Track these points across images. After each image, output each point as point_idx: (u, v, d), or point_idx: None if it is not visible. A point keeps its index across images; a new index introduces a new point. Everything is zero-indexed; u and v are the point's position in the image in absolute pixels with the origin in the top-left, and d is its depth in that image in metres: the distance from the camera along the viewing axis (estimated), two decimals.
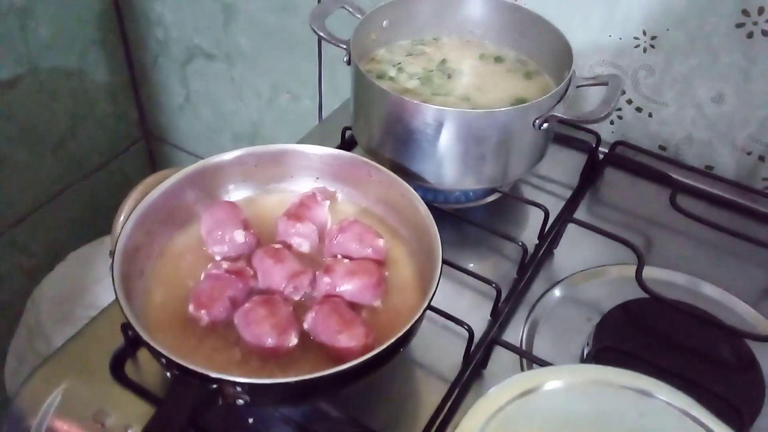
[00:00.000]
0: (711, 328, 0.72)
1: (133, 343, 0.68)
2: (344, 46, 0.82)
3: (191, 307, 0.65)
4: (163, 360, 0.56)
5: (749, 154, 0.91)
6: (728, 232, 0.82)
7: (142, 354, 0.69)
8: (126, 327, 0.67)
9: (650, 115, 0.95)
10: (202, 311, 0.64)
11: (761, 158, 0.91)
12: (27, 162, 1.38)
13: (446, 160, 0.79)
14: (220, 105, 1.45)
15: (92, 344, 0.70)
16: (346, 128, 0.91)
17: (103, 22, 1.41)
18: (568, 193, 0.88)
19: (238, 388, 0.56)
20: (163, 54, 1.44)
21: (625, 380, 0.57)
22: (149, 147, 1.66)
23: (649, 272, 0.75)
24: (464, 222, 0.84)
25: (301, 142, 0.93)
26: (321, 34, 0.83)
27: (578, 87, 0.79)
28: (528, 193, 0.90)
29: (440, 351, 0.72)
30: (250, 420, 0.65)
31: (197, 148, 1.57)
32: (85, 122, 1.47)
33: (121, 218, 1.14)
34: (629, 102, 0.95)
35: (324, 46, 1.21)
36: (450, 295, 0.76)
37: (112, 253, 1.16)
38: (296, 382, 0.56)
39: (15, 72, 1.29)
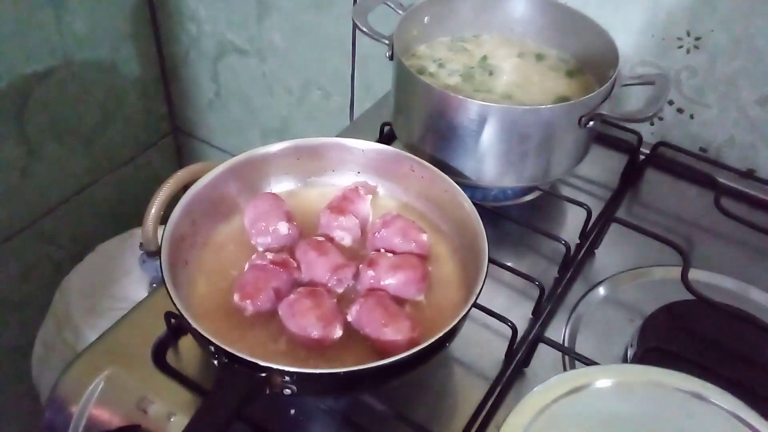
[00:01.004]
0: (758, 331, 0.71)
1: (175, 331, 0.68)
2: (386, 42, 0.82)
3: (236, 297, 0.65)
4: (212, 348, 0.56)
5: None
6: None
7: (184, 343, 0.69)
8: (169, 315, 0.67)
9: (692, 117, 0.94)
10: (247, 301, 0.64)
11: None
12: (58, 154, 1.39)
13: (488, 157, 0.78)
14: (250, 100, 1.45)
15: (134, 332, 0.70)
16: (384, 124, 0.91)
17: (137, 16, 1.42)
18: (608, 194, 0.88)
19: (286, 378, 0.56)
20: (194, 49, 1.45)
21: (673, 381, 0.57)
22: (177, 142, 1.66)
23: (693, 275, 0.75)
24: (504, 219, 0.83)
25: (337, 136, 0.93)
26: (364, 29, 0.83)
27: (624, 86, 0.79)
28: (567, 192, 0.89)
29: (481, 348, 0.71)
30: (292, 411, 0.65)
31: (225, 144, 1.58)
32: (115, 116, 1.48)
33: (153, 211, 1.15)
34: (671, 103, 0.94)
35: (358, 43, 1.21)
36: (489, 293, 0.74)
37: (143, 246, 1.17)
38: (344, 373, 0.55)
39: (49, 64, 1.29)
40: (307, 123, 1.40)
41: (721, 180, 0.88)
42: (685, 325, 0.73)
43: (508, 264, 0.75)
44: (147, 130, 1.58)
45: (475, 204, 0.69)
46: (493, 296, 0.76)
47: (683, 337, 0.72)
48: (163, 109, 1.59)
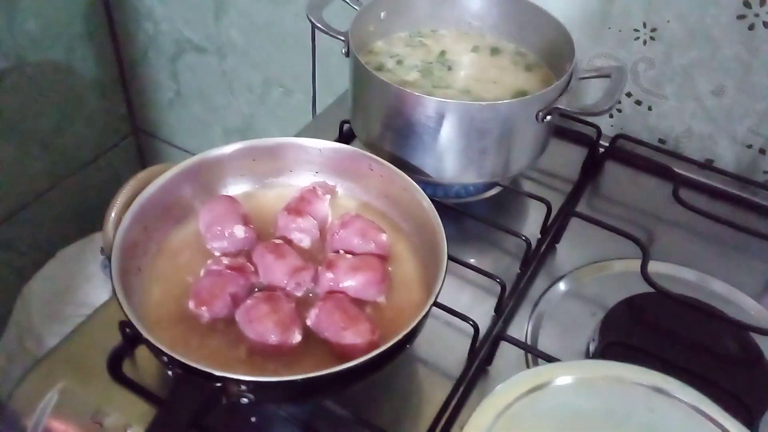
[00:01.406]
0: (717, 322, 0.71)
1: (131, 341, 0.66)
2: (342, 38, 0.80)
3: (192, 304, 0.63)
4: (165, 358, 0.55)
5: (749, 147, 0.91)
6: (731, 225, 0.81)
7: (140, 352, 0.67)
8: (124, 325, 0.65)
9: (650, 108, 0.94)
10: (203, 308, 0.63)
11: (762, 151, 0.91)
12: (15, 158, 1.36)
13: (447, 154, 0.77)
14: (210, 99, 1.43)
15: (88, 343, 0.68)
16: (344, 122, 0.90)
17: (92, 15, 1.39)
18: (569, 188, 0.87)
19: (243, 387, 0.54)
20: (152, 48, 1.42)
21: (634, 376, 0.57)
22: (139, 142, 1.64)
23: (652, 267, 0.75)
24: (465, 216, 0.83)
25: (296, 135, 0.92)
26: (318, 25, 0.82)
27: (581, 79, 0.79)
28: (528, 187, 0.89)
29: (444, 347, 0.71)
30: (253, 419, 0.64)
31: (187, 143, 1.55)
32: (73, 117, 1.45)
33: (113, 215, 1.12)
34: (629, 95, 0.94)
35: (318, 39, 1.19)
36: (451, 291, 0.74)
37: (104, 251, 1.15)
38: (302, 380, 0.54)
39: (1, 66, 1.26)
40: (269, 121, 1.38)
41: (680, 171, 0.88)
42: (646, 318, 0.73)
43: (470, 261, 0.74)
44: (107, 131, 1.55)
45: (435, 201, 0.69)
46: (456, 294, 0.75)
47: (644, 331, 0.72)
48: (122, 109, 1.57)
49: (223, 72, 1.36)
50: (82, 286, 1.24)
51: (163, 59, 1.42)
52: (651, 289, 0.73)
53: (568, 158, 0.92)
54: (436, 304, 0.67)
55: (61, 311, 1.21)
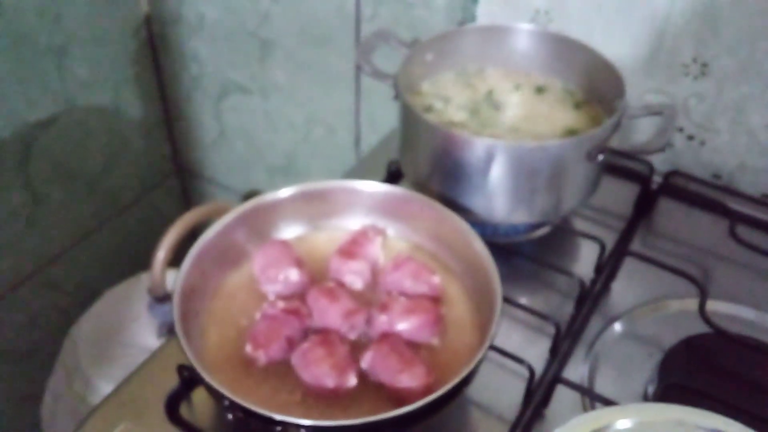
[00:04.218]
0: None
1: (188, 384, 0.67)
2: (390, 82, 0.81)
3: (249, 348, 0.64)
4: (226, 402, 0.55)
5: None
6: None
7: (197, 395, 0.67)
8: (181, 368, 0.66)
9: (702, 143, 0.93)
10: (260, 351, 0.63)
11: None
12: (62, 200, 1.38)
13: (497, 194, 0.77)
14: (253, 138, 1.45)
15: (146, 386, 0.68)
16: (391, 162, 0.90)
17: (138, 58, 1.42)
18: (621, 225, 0.86)
19: (302, 431, 0.54)
20: (197, 89, 1.45)
21: (695, 419, 0.55)
22: (182, 182, 1.66)
23: (710, 306, 0.73)
24: (515, 255, 0.82)
25: (344, 176, 0.92)
26: (368, 69, 0.83)
27: (632, 117, 0.78)
28: (579, 225, 0.88)
29: (497, 390, 0.70)
30: None
31: (231, 182, 1.57)
32: (119, 159, 1.47)
33: (161, 255, 1.14)
34: (680, 130, 0.93)
35: (362, 78, 1.21)
36: (504, 331, 0.74)
37: (150, 291, 1.16)
38: (360, 424, 0.54)
39: (51, 111, 1.29)
40: (312, 159, 1.40)
41: (735, 207, 0.87)
42: (705, 359, 0.71)
43: (522, 302, 0.74)
44: (151, 171, 1.58)
45: (485, 241, 0.68)
46: (508, 335, 0.74)
47: (703, 372, 0.70)
48: (166, 149, 1.60)
49: (266, 111, 1.38)
50: (129, 326, 1.25)
51: (207, 100, 1.45)
52: (709, 329, 0.71)
53: (619, 195, 0.91)
54: (492, 347, 0.67)
55: (109, 352, 1.22)
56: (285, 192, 0.73)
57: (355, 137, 1.29)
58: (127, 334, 1.22)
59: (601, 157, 0.75)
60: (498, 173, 0.75)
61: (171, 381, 0.67)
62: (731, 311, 0.76)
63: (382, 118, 1.23)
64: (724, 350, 0.71)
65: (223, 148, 1.52)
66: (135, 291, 1.29)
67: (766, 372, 0.70)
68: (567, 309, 0.77)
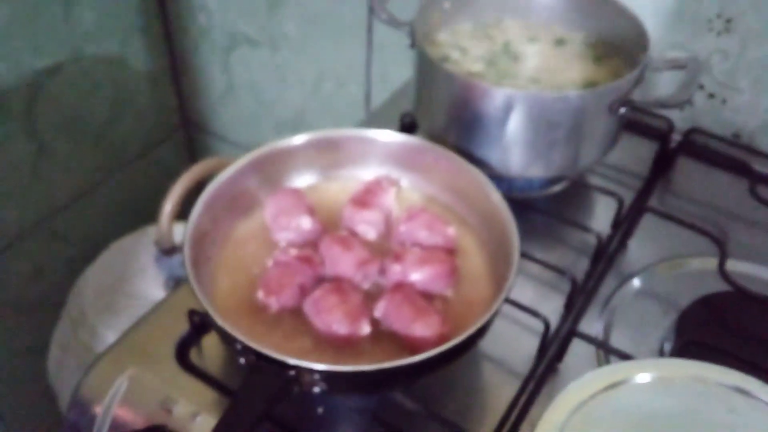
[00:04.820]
0: None
1: (198, 329, 0.66)
2: (406, 30, 0.79)
3: (261, 294, 0.63)
4: (239, 346, 0.55)
5: None
6: None
7: (207, 341, 0.67)
8: (192, 314, 0.65)
9: (724, 102, 0.91)
10: (273, 298, 0.62)
11: None
12: (68, 151, 1.37)
13: (515, 147, 0.76)
14: (262, 93, 1.43)
15: (156, 332, 0.68)
16: (404, 114, 0.88)
17: (145, 7, 1.40)
18: (639, 183, 0.85)
19: (316, 376, 0.54)
20: (205, 40, 1.42)
21: (714, 375, 0.55)
22: (189, 136, 1.64)
23: (730, 265, 0.72)
24: (531, 210, 0.80)
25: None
26: (383, 17, 0.81)
27: (654, 70, 0.76)
28: (596, 182, 0.87)
29: (511, 344, 0.69)
30: (320, 410, 0.63)
31: (238, 137, 1.55)
32: (125, 111, 1.45)
33: (168, 208, 1.13)
34: (701, 87, 0.91)
35: (374, 31, 1.18)
36: (518, 286, 0.72)
37: (158, 243, 1.15)
38: (375, 370, 0.54)
39: (58, 58, 1.27)
40: (321, 114, 1.38)
41: (756, 167, 0.85)
42: (724, 318, 0.71)
43: (537, 257, 0.73)
44: (158, 124, 1.56)
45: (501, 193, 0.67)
46: (522, 290, 0.73)
47: (721, 330, 0.70)
48: (173, 102, 1.57)
49: (276, 65, 1.35)
50: (135, 278, 1.24)
51: (215, 52, 1.43)
52: (728, 288, 0.70)
53: (638, 153, 0.89)
54: (507, 299, 0.66)
55: (114, 303, 1.21)
56: (298, 139, 0.72)
57: (366, 93, 1.27)
58: (134, 286, 1.21)
59: (623, 110, 0.73)
60: (516, 125, 0.73)
61: (181, 327, 0.66)
62: (750, 271, 0.75)
63: (394, 74, 1.20)
64: (742, 309, 0.70)
65: (231, 102, 1.49)
66: (141, 243, 1.28)
67: None
68: (582, 265, 0.76)
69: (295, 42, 1.29)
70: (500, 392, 0.65)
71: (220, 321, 0.55)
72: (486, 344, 0.69)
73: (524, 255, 0.71)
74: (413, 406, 0.60)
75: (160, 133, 1.58)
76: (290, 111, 1.41)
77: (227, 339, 0.56)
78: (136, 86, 1.46)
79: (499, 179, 0.81)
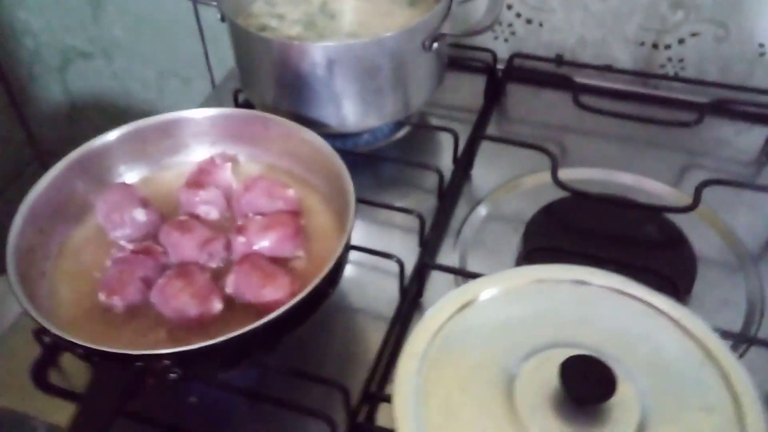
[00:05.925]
0: (633, 210, 0.72)
1: (51, 348, 0.63)
2: (215, 3, 0.78)
3: (102, 296, 0.61)
4: (80, 350, 0.53)
5: (642, 44, 0.92)
6: (634, 118, 0.82)
7: (66, 358, 0.64)
8: (39, 333, 0.62)
9: (541, 25, 0.94)
10: (115, 297, 0.60)
11: (655, 46, 0.91)
12: None
13: (344, 101, 0.76)
14: (107, 105, 1.38)
15: (8, 359, 0.65)
16: (237, 90, 0.87)
17: None
18: (475, 117, 0.87)
19: (166, 362, 0.52)
20: (37, 63, 1.36)
21: (555, 274, 0.56)
22: (45, 166, 1.57)
23: (565, 174, 0.75)
24: (378, 160, 0.82)
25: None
26: None
27: (462, 3, 0.78)
28: (436, 123, 0.88)
29: (375, 292, 0.70)
30: (192, 399, 0.62)
31: None
32: None
33: None
34: (518, 15, 0.94)
35: (204, 20, 1.16)
36: (377, 237, 0.74)
37: None
38: (224, 341, 0.52)
39: None
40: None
41: (577, 79, 0.88)
42: (565, 221, 0.73)
43: (391, 203, 0.73)
44: (9, 161, 1.48)
45: (347, 152, 0.67)
46: (380, 237, 0.75)
47: (565, 233, 0.72)
48: (20, 136, 1.50)
49: (113, 73, 1.31)
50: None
51: (51, 72, 1.36)
52: (566, 194, 0.73)
53: (470, 89, 0.91)
54: (358, 248, 0.66)
55: None
56: (114, 133, 0.70)
57: (211, 83, 1.25)
58: None
59: (436, 45, 0.74)
60: (340, 78, 0.74)
61: (35, 350, 0.63)
62: (584, 175, 0.78)
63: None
64: (582, 210, 0.73)
65: (79, 121, 1.44)
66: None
67: (623, 222, 0.72)
68: (433, 203, 0.77)
69: (127, 46, 1.25)
70: (373, 338, 0.65)
71: (55, 330, 0.53)
72: (352, 298, 0.70)
73: (373, 203, 0.72)
74: (289, 372, 0.60)
75: (14, 169, 1.50)
76: (140, 118, 1.37)
77: (68, 347, 0.54)
78: None
79: (343, 137, 0.81)
